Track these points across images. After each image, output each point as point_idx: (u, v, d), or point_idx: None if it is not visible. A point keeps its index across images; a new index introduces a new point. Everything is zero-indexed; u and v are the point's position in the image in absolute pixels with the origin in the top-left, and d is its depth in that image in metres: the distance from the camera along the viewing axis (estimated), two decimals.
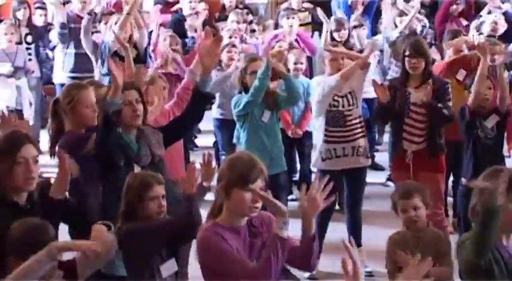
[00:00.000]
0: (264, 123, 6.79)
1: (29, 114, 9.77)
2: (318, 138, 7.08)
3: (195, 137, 11.02)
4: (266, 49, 9.38)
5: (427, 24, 10.17)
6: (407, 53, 6.81)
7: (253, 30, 10.98)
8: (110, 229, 3.87)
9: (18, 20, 10.58)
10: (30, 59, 10.15)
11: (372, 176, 7.32)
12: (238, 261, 3.76)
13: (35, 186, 4.10)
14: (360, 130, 6.98)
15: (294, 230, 4.09)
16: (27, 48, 10.32)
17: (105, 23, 9.03)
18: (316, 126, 7.17)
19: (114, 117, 4.92)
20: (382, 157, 9.36)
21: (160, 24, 10.26)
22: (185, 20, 10.80)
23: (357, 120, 6.97)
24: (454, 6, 10.98)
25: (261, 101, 6.75)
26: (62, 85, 10.50)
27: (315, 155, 7.04)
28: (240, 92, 6.91)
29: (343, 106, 6.91)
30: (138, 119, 5.04)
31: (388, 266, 5.24)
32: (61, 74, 10.28)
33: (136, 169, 4.91)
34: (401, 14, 9.88)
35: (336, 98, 6.90)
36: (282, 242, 3.70)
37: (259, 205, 3.85)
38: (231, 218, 3.88)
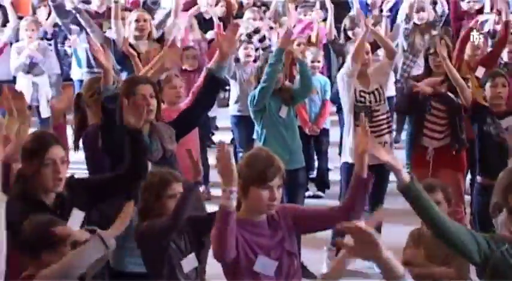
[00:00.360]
0: (281, 118, 6.79)
1: (46, 111, 9.81)
2: (345, 134, 7.07)
3: (213, 134, 11.04)
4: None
5: (446, 11, 10.17)
6: (431, 51, 6.82)
7: (270, 28, 11.01)
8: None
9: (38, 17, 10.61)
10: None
11: (390, 174, 7.28)
12: None
13: (62, 187, 4.13)
14: (386, 126, 6.98)
15: None
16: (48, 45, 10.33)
17: (121, 19, 9.01)
18: (345, 122, 7.15)
19: (111, 104, 4.91)
20: (400, 155, 9.33)
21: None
22: (203, 17, 10.83)
23: (384, 116, 6.96)
24: (471, 3, 10.94)
25: (278, 96, 6.76)
26: (80, 81, 10.57)
27: (344, 150, 7.02)
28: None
29: (370, 102, 6.91)
30: (151, 113, 4.97)
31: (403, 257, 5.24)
32: (78, 70, 10.33)
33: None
34: (418, 10, 9.87)
35: (362, 94, 6.91)
36: (229, 215, 3.57)
37: (276, 202, 3.85)
38: (249, 215, 3.88)
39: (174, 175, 4.49)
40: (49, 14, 10.82)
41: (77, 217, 4.10)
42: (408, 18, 9.80)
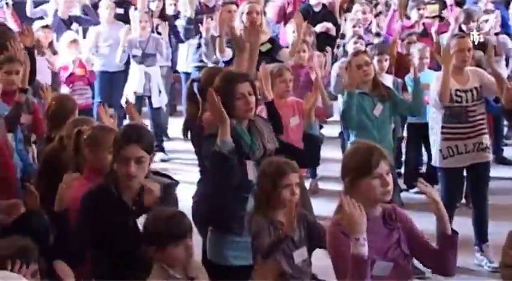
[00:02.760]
0: (374, 117, 6.61)
1: (157, 101, 9.96)
2: (436, 134, 6.81)
3: (321, 127, 11.02)
4: (394, 39, 9.32)
5: None
6: None
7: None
8: None
9: (151, 10, 10.74)
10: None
11: (499, 171, 7.17)
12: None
13: (136, 185, 4.15)
14: (483, 126, 6.67)
15: (421, 223, 4.10)
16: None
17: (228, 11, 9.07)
18: (436, 121, 6.85)
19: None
20: (511, 152, 9.17)
21: None
22: (313, 10, 10.83)
23: (480, 117, 6.65)
24: None
25: (373, 94, 6.59)
26: (187, 74, 10.72)
27: (434, 152, 6.82)
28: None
29: (466, 101, 6.61)
30: (251, 111, 4.81)
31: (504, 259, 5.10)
32: (185, 63, 10.48)
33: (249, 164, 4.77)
34: None
35: (458, 93, 6.61)
36: (362, 263, 3.56)
37: (390, 187, 3.81)
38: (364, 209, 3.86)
39: (290, 164, 4.45)
40: (162, 9, 10.98)
41: None
42: None
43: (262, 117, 5.09)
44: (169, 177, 4.43)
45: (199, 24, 9.58)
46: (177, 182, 4.40)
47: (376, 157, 3.79)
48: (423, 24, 9.96)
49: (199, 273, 3.91)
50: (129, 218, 4.10)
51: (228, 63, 7.75)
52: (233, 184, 4.62)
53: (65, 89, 9.08)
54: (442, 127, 6.68)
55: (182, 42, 10.60)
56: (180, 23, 10.55)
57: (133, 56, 9.88)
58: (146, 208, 4.11)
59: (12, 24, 10.23)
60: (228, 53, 7.62)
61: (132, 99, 9.81)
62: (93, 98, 9.67)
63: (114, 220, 4.09)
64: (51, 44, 9.45)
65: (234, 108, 4.71)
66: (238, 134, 4.71)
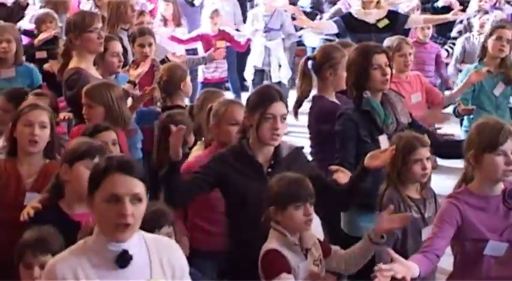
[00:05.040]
0: (494, 96, 6.55)
1: (276, 75, 10.00)
2: None
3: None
4: None
5: None
6: None
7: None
8: None
9: None
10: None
11: None
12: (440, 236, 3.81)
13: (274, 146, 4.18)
14: None
15: None
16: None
17: None
18: None
19: None
20: None
21: None
22: None
23: None
24: None
25: (497, 74, 6.54)
26: (314, 48, 10.74)
27: None
28: (480, 59, 6.71)
29: None
30: (386, 83, 4.81)
31: None
32: (313, 37, 10.50)
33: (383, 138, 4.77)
34: None
35: None
36: None
37: None
38: (483, 186, 3.86)
39: (420, 139, 4.44)
40: None
41: None
42: None
43: (394, 91, 5.06)
44: None
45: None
46: (302, 146, 4.48)
47: (504, 133, 3.77)
48: None
49: (314, 247, 3.96)
50: (262, 180, 4.11)
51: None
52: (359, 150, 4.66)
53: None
54: None
55: None
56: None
57: (256, 30, 9.93)
58: (280, 170, 4.13)
59: None
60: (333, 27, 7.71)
61: (252, 73, 9.96)
62: None
63: (248, 181, 4.14)
64: (175, 17, 9.59)
65: (370, 79, 4.75)
66: (373, 108, 4.73)
